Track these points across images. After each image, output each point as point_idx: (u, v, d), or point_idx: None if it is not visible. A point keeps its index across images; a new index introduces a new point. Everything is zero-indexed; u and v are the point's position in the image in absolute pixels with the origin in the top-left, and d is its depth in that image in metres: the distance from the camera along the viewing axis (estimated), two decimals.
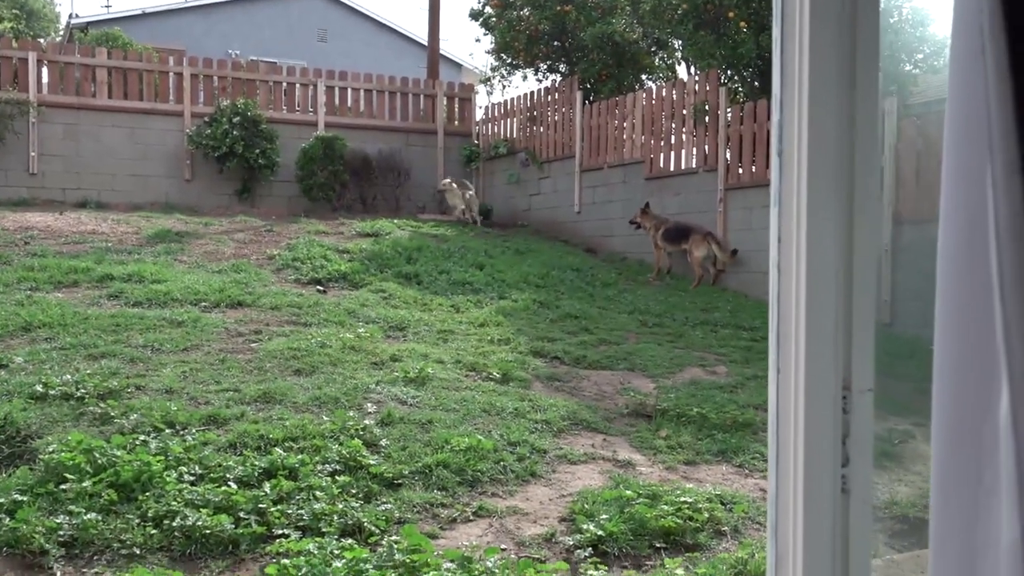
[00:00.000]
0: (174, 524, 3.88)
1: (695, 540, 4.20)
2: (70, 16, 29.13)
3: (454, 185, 14.55)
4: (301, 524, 4.05)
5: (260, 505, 4.12)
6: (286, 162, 14.49)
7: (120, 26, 24.28)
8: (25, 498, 3.96)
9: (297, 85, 15.51)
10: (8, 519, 3.78)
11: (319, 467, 4.57)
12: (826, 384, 1.23)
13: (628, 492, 4.53)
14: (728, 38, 12.16)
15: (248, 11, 27.64)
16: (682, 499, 4.45)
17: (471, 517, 4.38)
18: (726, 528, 4.35)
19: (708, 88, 11.81)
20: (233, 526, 3.94)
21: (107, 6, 35.44)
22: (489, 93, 17.52)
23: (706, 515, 4.36)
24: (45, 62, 13.89)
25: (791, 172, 1.24)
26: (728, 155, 11.42)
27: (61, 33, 34.24)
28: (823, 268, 1.22)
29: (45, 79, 14.02)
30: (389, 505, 4.33)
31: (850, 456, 1.21)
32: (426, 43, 19.60)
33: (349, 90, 15.85)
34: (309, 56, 24.94)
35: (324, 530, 3.99)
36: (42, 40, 16.18)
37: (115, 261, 9.00)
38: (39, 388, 5.23)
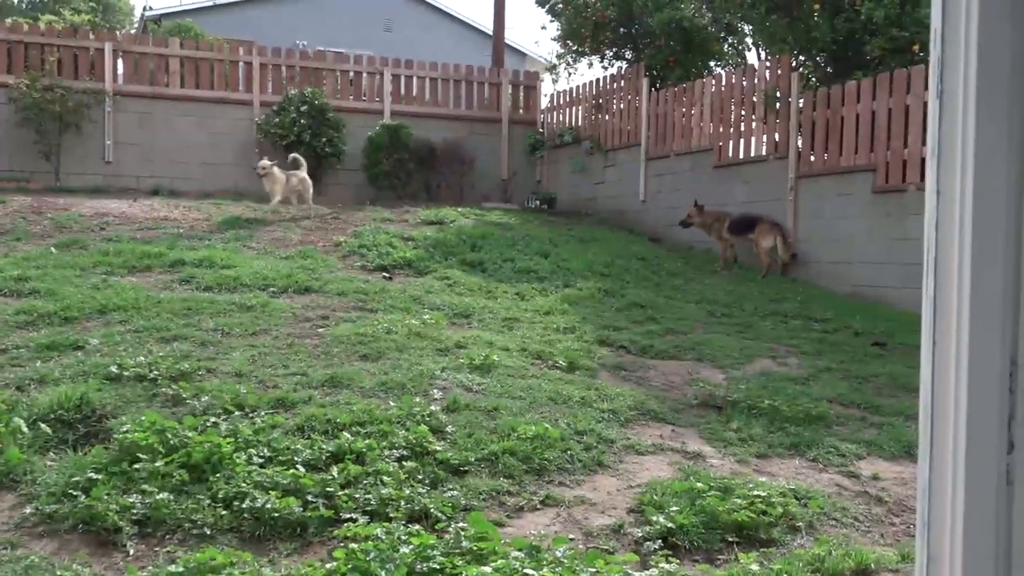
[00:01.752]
0: (243, 506, 3.90)
1: (769, 535, 4.08)
2: (144, 8, 29.85)
3: (275, 169, 12.59)
4: (368, 509, 4.04)
5: (328, 489, 4.12)
6: (352, 150, 14.62)
7: (192, 18, 24.76)
8: (100, 477, 4.02)
9: (364, 74, 15.61)
10: (84, 497, 3.84)
11: (386, 452, 4.55)
12: (991, 359, 1.09)
13: (699, 484, 4.42)
14: (801, 22, 11.84)
15: (315, 2, 27.91)
16: (755, 493, 4.32)
17: (538, 506, 4.32)
18: (801, 524, 4.22)
19: (779, 74, 11.53)
20: (301, 509, 3.94)
21: None
22: (554, 81, 17.42)
23: (780, 510, 4.23)
24: (120, 53, 14.22)
25: (954, 117, 1.09)
26: (800, 142, 11.13)
27: (136, 25, 35.09)
28: (990, 226, 1.07)
29: (120, 69, 14.35)
30: (455, 492, 4.30)
31: (1015, 442, 1.07)
32: (491, 32, 19.55)
33: (415, 78, 15.90)
34: (374, 46, 25.07)
35: (391, 515, 3.97)
36: (118, 32, 16.55)
37: (186, 247, 9.16)
38: (114, 369, 5.32)
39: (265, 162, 12.64)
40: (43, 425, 4.54)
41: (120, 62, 14.34)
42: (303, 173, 12.84)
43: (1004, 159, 1.09)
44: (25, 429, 4.45)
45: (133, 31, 29.87)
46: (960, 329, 1.10)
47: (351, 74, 15.57)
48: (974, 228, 1.09)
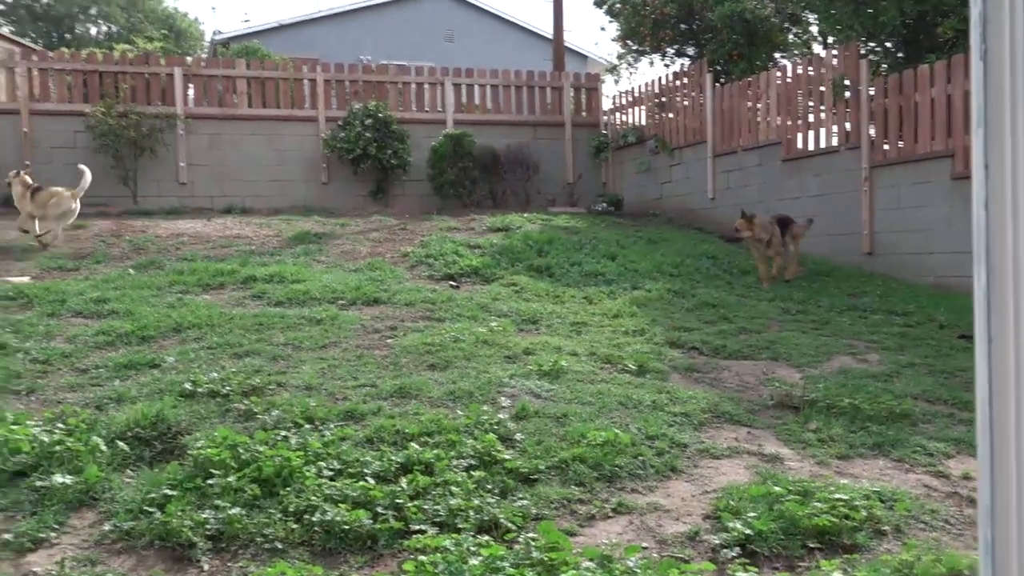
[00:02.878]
0: (314, 519, 3.90)
1: (852, 540, 3.90)
2: (213, 33, 30.67)
3: (18, 181, 10.32)
4: (438, 519, 4.01)
5: (397, 500, 4.10)
6: (417, 161, 14.72)
7: (258, 39, 25.38)
8: (175, 493, 4.07)
9: (425, 85, 15.72)
10: (159, 513, 3.89)
11: (454, 462, 4.52)
12: None
13: (777, 488, 4.27)
14: (867, 6, 11.48)
15: (378, 16, 28.32)
16: (836, 496, 4.15)
17: (610, 514, 4.23)
18: (887, 528, 4.03)
19: (847, 61, 11.19)
20: (371, 521, 3.93)
21: (246, 20, 37.07)
22: (616, 82, 17.34)
23: (864, 513, 4.05)
24: (190, 77, 14.60)
25: (1000, 80, 0.96)
26: (872, 131, 10.78)
27: (206, 49, 36.08)
28: None
29: (191, 93, 14.74)
30: (525, 501, 4.23)
31: None
32: (551, 36, 19.50)
33: (476, 87, 15.94)
34: (437, 56, 25.29)
35: (460, 526, 3.92)
36: (187, 57, 17.00)
37: (258, 263, 9.32)
38: (188, 386, 5.41)
39: (12, 172, 10.59)
40: (121, 443, 4.63)
41: (190, 86, 14.73)
42: (61, 189, 10.35)
43: None
44: (104, 447, 4.55)
45: (203, 55, 30.70)
46: (1019, 324, 0.95)
47: (413, 86, 15.69)
48: None
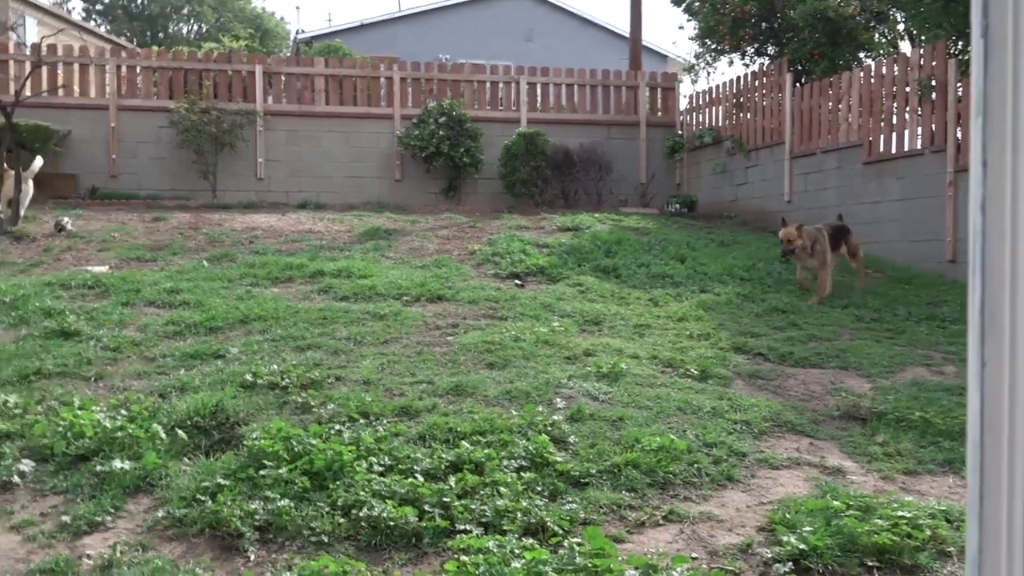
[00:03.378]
0: (361, 514, 3.92)
1: (914, 560, 3.73)
2: (297, 32, 31.30)
3: None
4: (484, 520, 3.98)
5: (444, 499, 4.08)
6: (490, 159, 14.74)
7: (341, 38, 25.80)
8: (227, 482, 4.14)
9: (500, 83, 15.73)
10: (210, 501, 3.96)
11: (505, 462, 4.48)
12: None
13: (836, 503, 4.11)
14: (958, 4, 11.03)
15: (457, 16, 28.49)
16: (899, 513, 3.97)
17: (661, 521, 4.13)
18: (952, 549, 3.84)
19: (935, 61, 10.77)
20: (417, 519, 3.92)
21: (329, 20, 37.74)
22: (693, 81, 16.98)
23: (928, 533, 3.87)
24: (270, 74, 14.91)
25: (1003, 61, 0.83)
26: (959, 134, 10.35)
27: (290, 48, 36.86)
28: None
29: (270, 90, 15.05)
30: (574, 505, 4.17)
31: None
32: (628, 35, 19.31)
33: (551, 85, 15.88)
34: (515, 56, 25.30)
35: (506, 528, 3.89)
36: (268, 55, 17.38)
37: (327, 258, 9.45)
38: (249, 377, 5.50)
39: None
40: (180, 431, 4.73)
41: (270, 83, 15.04)
42: (27, 172, 10.36)
43: None
44: (163, 435, 4.65)
45: (286, 54, 31.38)
46: (1016, 345, 0.83)
47: (488, 84, 15.72)
48: None
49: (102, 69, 14.26)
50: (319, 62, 15.27)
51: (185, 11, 51.49)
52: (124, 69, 14.39)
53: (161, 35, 49.93)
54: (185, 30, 51.96)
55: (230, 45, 18.00)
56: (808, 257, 8.93)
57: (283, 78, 15.01)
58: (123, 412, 4.86)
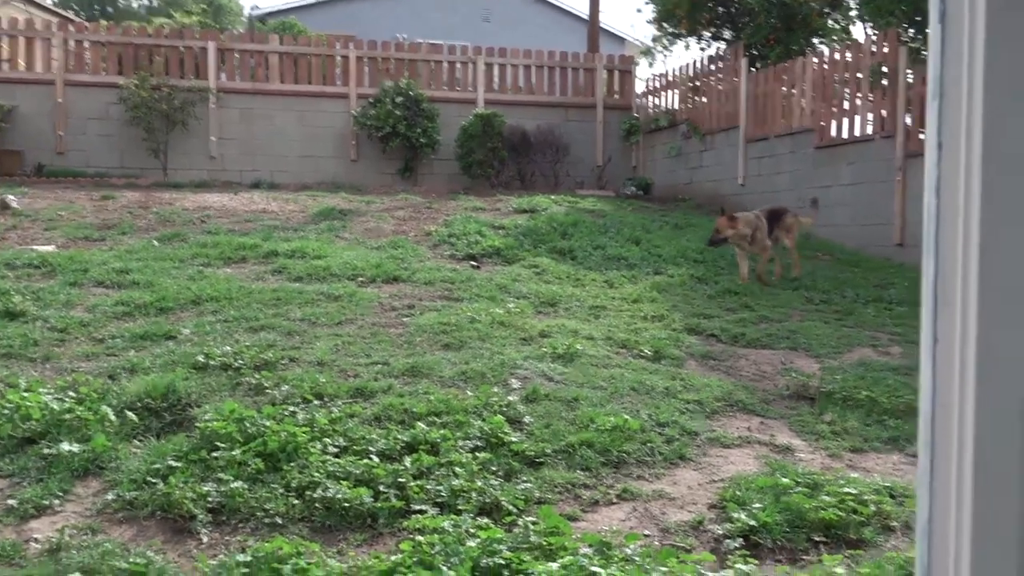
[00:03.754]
0: (315, 495, 3.91)
1: (859, 535, 3.83)
2: (251, 8, 30.77)
3: None
4: (439, 500, 3.99)
5: (400, 479, 4.09)
6: (446, 140, 14.67)
7: (296, 15, 25.38)
8: (179, 464, 4.10)
9: (457, 63, 15.63)
10: (162, 484, 3.92)
11: (461, 443, 4.50)
12: (1009, 360, 0.84)
13: (785, 480, 4.20)
14: None
15: None
16: (846, 490, 4.07)
17: (614, 500, 4.19)
18: (895, 524, 3.95)
19: (887, 48, 10.94)
20: (372, 500, 3.92)
21: None
22: (650, 65, 17.08)
23: (872, 508, 3.97)
24: (224, 51, 14.64)
25: (959, 47, 0.85)
26: (909, 120, 10.54)
27: (244, 24, 36.20)
28: (1007, 190, 0.81)
29: (223, 67, 14.78)
30: (529, 484, 4.20)
31: None
32: (587, 17, 19.30)
33: (508, 67, 15.82)
34: (473, 36, 25.14)
35: (461, 507, 3.90)
36: (222, 31, 17.05)
37: (281, 238, 9.34)
38: (201, 359, 5.44)
39: None
40: (130, 413, 4.66)
41: (223, 60, 14.77)
42: None
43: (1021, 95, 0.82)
44: (113, 417, 4.59)
45: (240, 30, 30.82)
46: (967, 323, 0.85)
47: (445, 64, 15.61)
48: (983, 192, 0.83)
49: (49, 43, 13.89)
50: (274, 39, 15.04)
51: None
52: (72, 43, 14.03)
53: (110, 9, 48.65)
54: (135, 4, 50.71)
55: (182, 21, 17.63)
56: (749, 245, 8.76)
57: (237, 55, 14.76)
58: (71, 394, 4.78)
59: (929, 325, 0.92)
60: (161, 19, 19.49)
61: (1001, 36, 0.84)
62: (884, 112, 10.92)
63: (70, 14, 35.16)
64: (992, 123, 0.85)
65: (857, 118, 11.38)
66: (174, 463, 4.12)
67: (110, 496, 3.92)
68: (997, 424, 0.87)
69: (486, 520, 3.79)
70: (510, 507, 3.96)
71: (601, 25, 19.13)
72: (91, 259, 7.96)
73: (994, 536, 0.87)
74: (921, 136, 10.34)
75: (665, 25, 15.95)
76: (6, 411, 4.49)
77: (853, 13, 14.53)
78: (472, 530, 3.62)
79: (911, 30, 12.10)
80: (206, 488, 3.91)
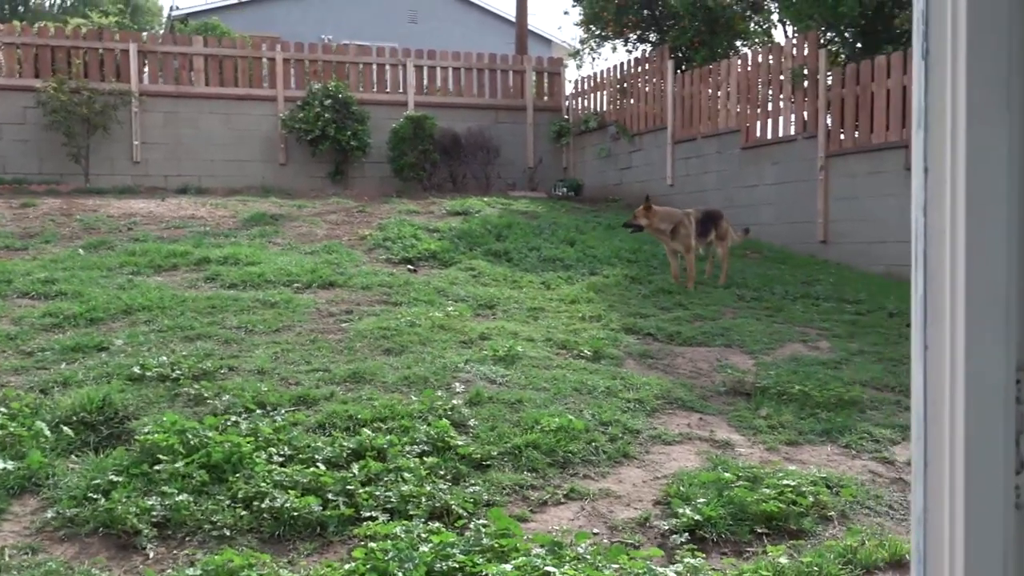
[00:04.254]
0: (263, 506, 3.87)
1: (799, 526, 3.97)
2: (171, 8, 30.07)
3: None
4: (389, 506, 3.99)
5: (348, 487, 4.07)
6: (377, 143, 14.58)
7: (218, 16, 24.89)
8: (120, 479, 4.01)
9: (387, 66, 15.56)
10: (103, 500, 3.83)
11: (407, 448, 4.50)
12: (992, 365, 0.92)
13: (727, 474, 4.32)
14: None
15: None
16: (784, 482, 4.22)
17: (562, 499, 4.25)
18: (832, 513, 4.10)
19: (807, 51, 11.29)
20: (321, 508, 3.90)
21: None
22: (579, 67, 17.23)
23: (811, 499, 4.12)
24: (146, 53, 14.29)
25: (942, 81, 0.93)
26: (829, 120, 10.89)
27: (163, 25, 35.34)
28: (987, 209, 0.90)
29: (146, 70, 14.43)
30: (477, 487, 4.23)
31: None
32: (514, 19, 19.40)
33: (438, 69, 15.82)
34: (400, 38, 25.03)
35: (412, 512, 3.91)
36: (143, 32, 16.65)
37: (212, 244, 9.18)
38: (136, 370, 5.32)
39: None
40: (66, 428, 4.54)
41: (146, 62, 14.42)
42: None
43: (1002, 129, 0.91)
44: (48, 432, 4.46)
45: (160, 31, 30.08)
46: (955, 332, 0.93)
47: (374, 66, 15.53)
48: (968, 211, 0.92)
49: None
50: (198, 41, 14.75)
51: None
52: None
53: (21, 8, 46.93)
54: (47, 4, 49.02)
55: (99, 21, 17.11)
56: (669, 240, 8.78)
57: (159, 57, 14.42)
58: (2, 410, 4.63)
59: (919, 333, 0.99)
60: (77, 19, 18.89)
61: (980, 74, 0.92)
62: (806, 113, 11.27)
63: None
64: (974, 150, 0.93)
65: (781, 119, 11.72)
66: (115, 478, 4.03)
67: (49, 514, 3.82)
68: (983, 420, 0.95)
69: (437, 524, 3.81)
70: (460, 511, 3.98)
71: (529, 27, 19.26)
72: (14, 269, 7.70)
73: (984, 522, 0.95)
74: (842, 136, 10.69)
75: (592, 28, 16.12)
76: None
77: (774, 17, 14.92)
78: (424, 535, 3.63)
79: (829, 33, 12.49)
80: (150, 502, 3.84)
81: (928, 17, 0.93)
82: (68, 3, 47.34)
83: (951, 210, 0.93)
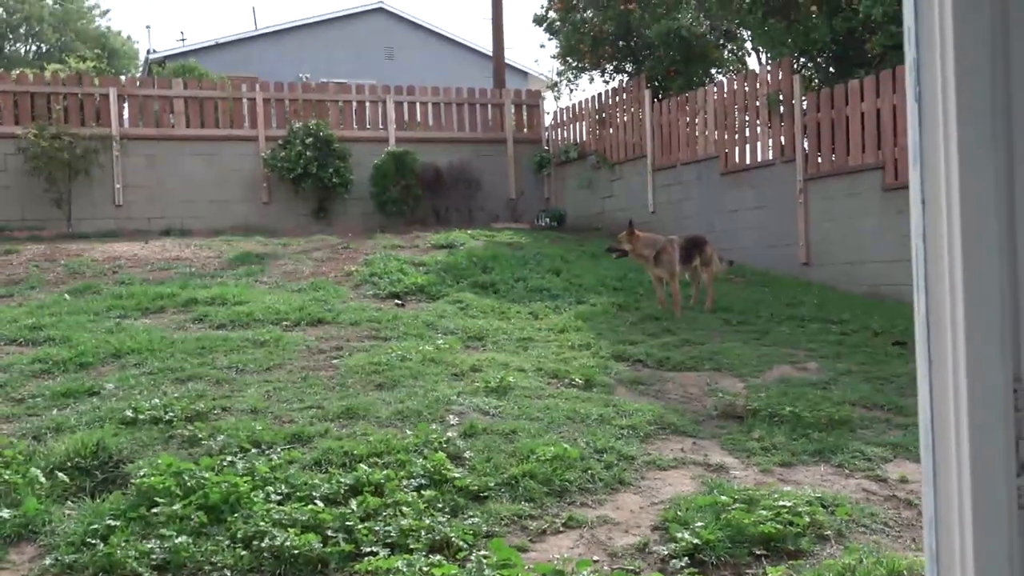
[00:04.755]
0: (263, 545, 3.86)
1: (797, 546, 3.99)
2: (148, 52, 30.17)
3: None
4: (389, 541, 3.99)
5: (347, 523, 4.07)
6: (360, 179, 14.67)
7: (195, 57, 25.02)
8: (118, 523, 3.99)
9: (367, 103, 15.69)
10: (102, 544, 3.81)
11: (404, 482, 4.51)
12: (992, 377, 1.01)
13: (723, 497, 4.35)
14: (799, 24, 11.82)
15: (317, 34, 28.16)
16: (780, 503, 4.25)
17: (561, 528, 4.26)
18: (829, 532, 4.14)
19: (781, 77, 11.49)
20: (321, 545, 3.90)
21: (182, 39, 36.57)
22: (556, 98, 17.47)
23: (807, 519, 4.15)
24: (125, 97, 14.35)
25: (934, 121, 1.03)
26: (807, 145, 11.07)
27: (141, 68, 35.45)
28: (980, 235, 0.99)
29: (126, 113, 14.48)
30: (476, 519, 4.24)
31: None
32: (491, 53, 19.62)
33: (417, 104, 15.97)
34: (378, 74, 25.22)
35: (412, 546, 3.91)
36: (122, 76, 16.71)
37: (199, 285, 9.18)
38: (129, 413, 5.30)
39: None
40: (60, 474, 4.52)
41: (126, 106, 14.47)
42: None
43: (991, 163, 1.01)
44: (43, 479, 4.44)
45: (138, 75, 30.18)
46: (956, 347, 1.02)
47: (354, 104, 15.66)
48: (963, 238, 1.01)
49: None
50: (177, 83, 14.83)
51: (22, 30, 48.69)
52: None
53: None
54: (23, 51, 49.11)
55: (77, 67, 17.16)
56: (653, 266, 8.83)
57: (140, 100, 14.47)
58: None
59: (924, 350, 1.07)
60: (55, 65, 18.94)
61: (968, 114, 1.02)
62: (783, 138, 11.44)
63: None
64: (966, 182, 1.02)
65: (759, 144, 11.89)
66: (112, 522, 4.01)
67: (48, 561, 3.79)
68: (985, 427, 1.02)
69: (438, 557, 3.81)
70: (460, 543, 3.99)
71: (506, 61, 19.49)
72: (0, 316, 7.67)
73: (990, 523, 1.02)
74: (819, 159, 10.86)
75: (569, 60, 16.36)
76: None
77: (748, 45, 15.18)
78: (425, 568, 3.64)
79: (802, 58, 12.73)
80: (149, 545, 3.83)
81: (919, 64, 1.03)
82: (44, 49, 47.49)
83: (948, 237, 1.02)
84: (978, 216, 1.03)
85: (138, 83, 15.05)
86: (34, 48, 49.14)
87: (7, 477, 4.37)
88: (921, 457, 1.10)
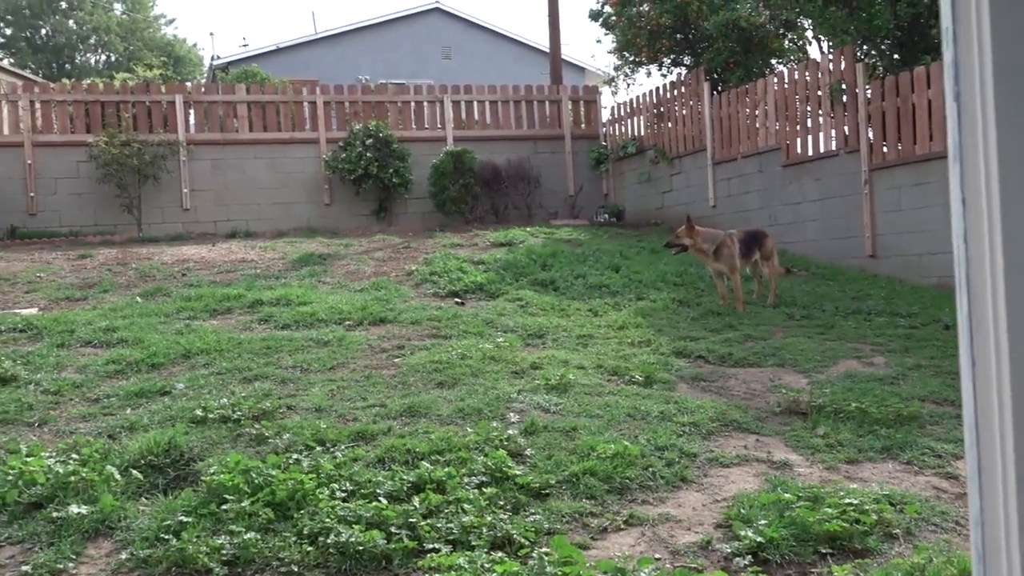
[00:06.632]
0: (329, 541, 3.93)
1: (864, 545, 3.92)
2: (212, 58, 30.88)
3: None
4: (451, 537, 4.03)
5: (410, 519, 4.13)
6: (419, 179, 14.81)
7: (257, 62, 25.54)
8: (189, 519, 4.11)
9: (425, 103, 15.83)
10: (175, 540, 3.93)
11: (466, 479, 4.55)
12: None
13: (787, 495, 4.29)
14: (861, 11, 11.55)
15: (375, 36, 28.51)
16: (846, 500, 4.17)
17: (622, 526, 4.25)
18: (897, 531, 4.05)
19: (844, 66, 11.25)
20: (385, 541, 3.96)
21: (244, 45, 37.34)
22: (614, 93, 17.36)
23: (874, 517, 4.07)
24: (191, 103, 14.72)
25: (973, 120, 1.02)
26: (871, 134, 10.83)
27: (205, 75, 36.29)
28: (1022, 237, 0.99)
29: (192, 119, 14.86)
30: (537, 516, 4.26)
31: None
32: (547, 50, 19.61)
33: (475, 103, 16.04)
34: (435, 74, 25.45)
35: (474, 543, 3.95)
36: (188, 83, 17.13)
37: (264, 287, 9.38)
38: (199, 412, 5.45)
39: None
40: (135, 471, 4.67)
41: (191, 112, 14.85)
42: None
43: None
44: (118, 476, 4.58)
45: (203, 81, 30.87)
46: (999, 347, 1.00)
47: (412, 104, 15.81)
48: (1004, 239, 1.00)
49: (15, 105, 13.88)
50: (240, 89, 15.14)
51: (92, 41, 50.23)
52: (38, 104, 14.03)
53: (68, 67, 48.57)
54: (93, 60, 50.68)
55: (144, 75, 17.64)
56: (712, 260, 8.77)
57: (205, 106, 14.83)
58: (74, 456, 4.77)
59: (967, 349, 1.06)
60: (123, 74, 19.51)
61: (1007, 113, 1.01)
62: (846, 128, 11.21)
63: (27, 72, 35.09)
64: (1007, 184, 1.01)
65: (821, 135, 11.67)
66: (184, 518, 4.13)
67: (124, 555, 3.93)
68: None
69: (500, 554, 3.84)
70: (522, 540, 4.01)
71: (563, 57, 19.45)
72: (76, 319, 7.94)
73: None
74: (884, 149, 10.61)
75: (626, 54, 16.25)
76: (10, 477, 4.48)
77: (808, 33, 14.91)
78: (487, 565, 3.67)
79: (865, 46, 12.45)
80: (219, 541, 3.93)
81: (958, 63, 1.02)
82: (113, 59, 48.92)
83: (989, 237, 1.00)
84: (1019, 216, 1.02)
85: (203, 89, 15.42)
86: (103, 58, 50.67)
87: (84, 474, 4.52)
88: (966, 456, 1.10)
